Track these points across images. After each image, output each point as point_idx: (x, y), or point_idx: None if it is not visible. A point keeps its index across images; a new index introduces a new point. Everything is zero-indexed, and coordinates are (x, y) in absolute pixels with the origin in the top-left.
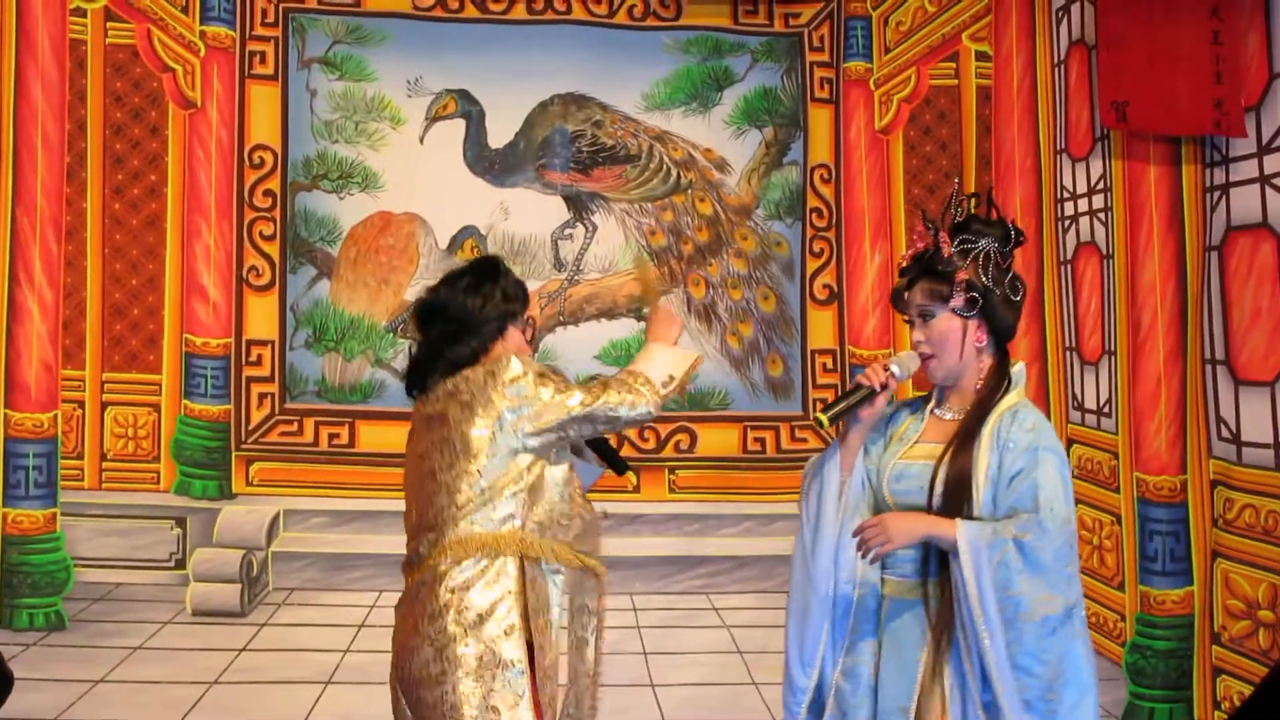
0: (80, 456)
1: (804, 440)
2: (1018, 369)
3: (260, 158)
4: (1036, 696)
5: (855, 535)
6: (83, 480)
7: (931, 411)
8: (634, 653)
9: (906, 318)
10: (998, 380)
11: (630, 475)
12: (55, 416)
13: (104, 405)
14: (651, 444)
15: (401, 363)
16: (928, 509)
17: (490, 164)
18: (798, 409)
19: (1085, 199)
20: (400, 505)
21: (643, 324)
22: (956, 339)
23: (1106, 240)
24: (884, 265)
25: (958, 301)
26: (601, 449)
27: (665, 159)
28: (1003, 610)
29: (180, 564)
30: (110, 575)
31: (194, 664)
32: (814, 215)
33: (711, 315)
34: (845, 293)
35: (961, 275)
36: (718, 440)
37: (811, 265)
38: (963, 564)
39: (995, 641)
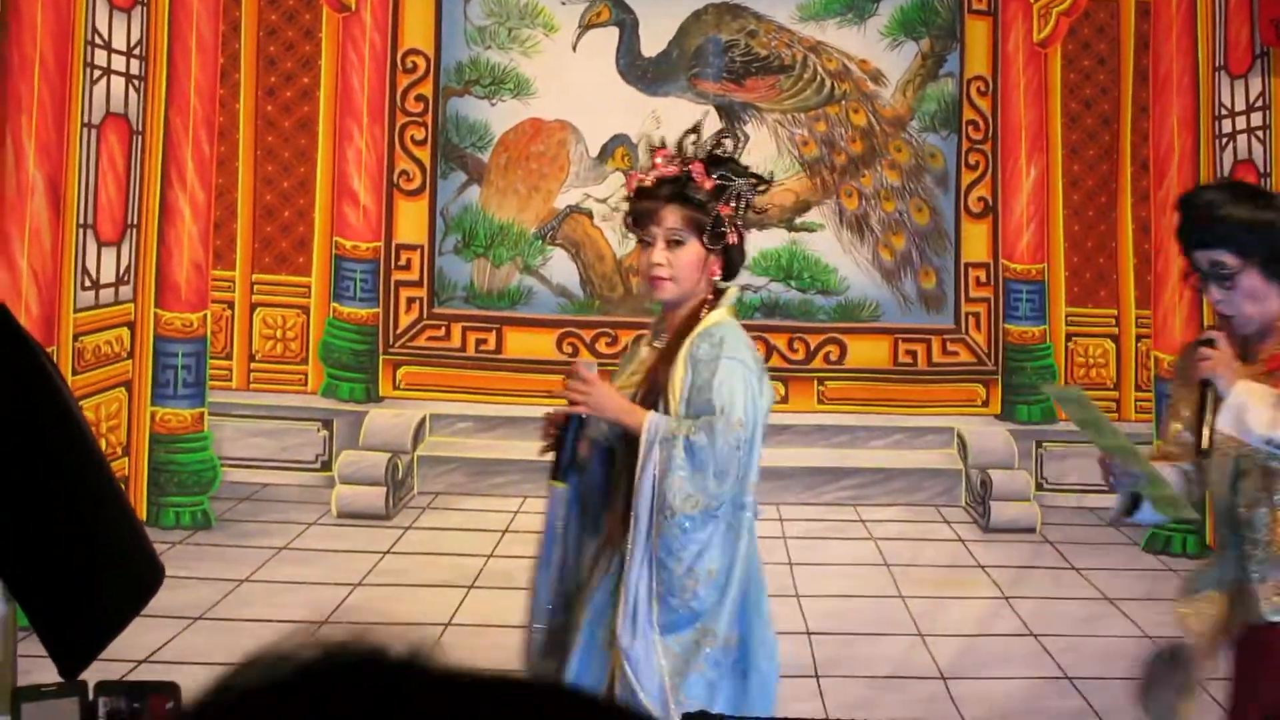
0: (229, 357)
1: (955, 354)
2: (731, 291)
3: (413, 62)
4: (671, 592)
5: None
6: (231, 380)
7: (651, 344)
8: (780, 563)
9: (643, 236)
10: (708, 306)
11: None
12: (205, 316)
13: (253, 306)
14: (800, 354)
15: (550, 270)
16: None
17: (643, 72)
18: (950, 322)
19: (1244, 116)
20: (544, 412)
21: (795, 235)
22: (698, 268)
23: (1264, 158)
24: (1040, 180)
25: (710, 234)
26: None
27: (819, 69)
28: (653, 502)
29: (326, 466)
30: (256, 475)
31: (338, 566)
32: (970, 128)
33: (864, 226)
34: (1000, 206)
35: (723, 210)
36: (868, 352)
37: (966, 178)
38: (640, 453)
39: (638, 531)
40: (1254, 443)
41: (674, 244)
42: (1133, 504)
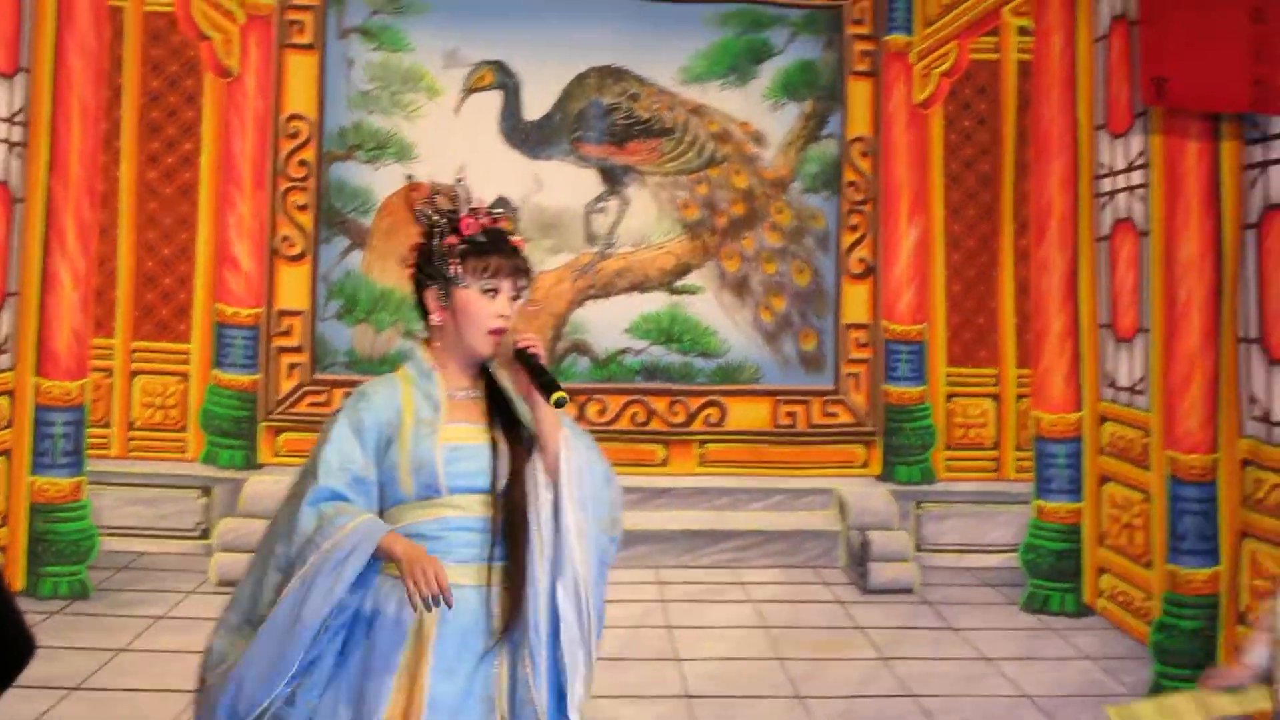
0: (108, 425)
1: (835, 415)
2: None
3: (296, 128)
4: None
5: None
6: (110, 449)
7: (451, 395)
8: (660, 627)
9: (489, 285)
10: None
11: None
12: (84, 385)
13: (133, 374)
14: (681, 417)
15: None
16: (492, 488)
17: (525, 136)
18: (829, 383)
19: (1123, 175)
20: None
21: (676, 298)
22: None
23: (1144, 217)
24: (920, 240)
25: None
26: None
27: (701, 132)
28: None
29: (205, 534)
30: (135, 544)
31: None
32: (851, 189)
33: (745, 289)
34: (881, 267)
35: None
36: (748, 414)
37: (847, 239)
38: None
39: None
40: None
41: (514, 299)
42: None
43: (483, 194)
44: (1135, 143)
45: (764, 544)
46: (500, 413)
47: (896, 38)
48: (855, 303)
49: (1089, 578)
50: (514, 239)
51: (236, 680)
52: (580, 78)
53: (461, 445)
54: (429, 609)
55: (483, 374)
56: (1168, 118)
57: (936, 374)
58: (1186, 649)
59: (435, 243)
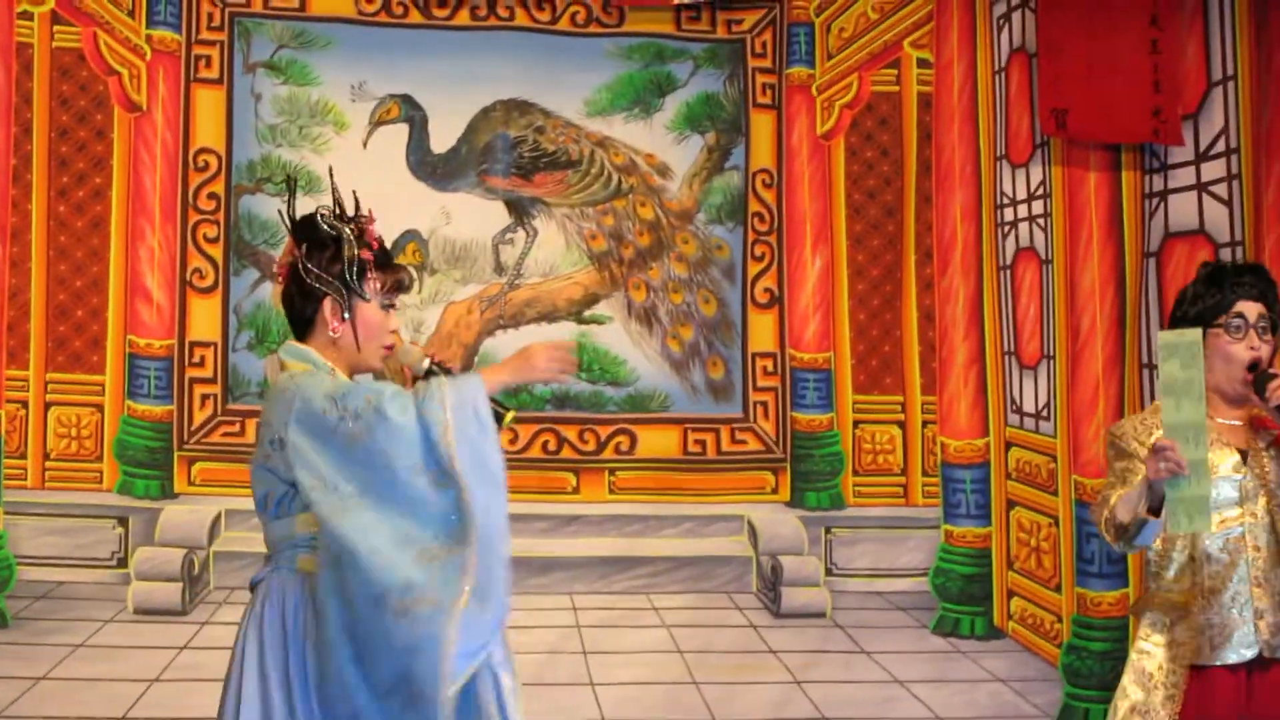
0: (23, 456)
1: (744, 442)
2: None
3: (205, 161)
4: None
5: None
6: (26, 479)
7: None
8: (574, 652)
9: (388, 300)
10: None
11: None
12: None
13: (47, 405)
14: (591, 445)
15: None
16: None
17: (433, 169)
18: (738, 411)
19: (1025, 205)
20: None
21: (583, 328)
22: None
23: (1046, 246)
24: (825, 269)
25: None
26: None
27: (606, 164)
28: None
29: (122, 563)
30: (52, 573)
31: (135, 662)
32: (755, 220)
33: (652, 319)
34: (786, 296)
35: None
36: (658, 442)
37: (753, 269)
38: None
39: None
40: None
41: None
42: (1154, 508)
43: (391, 226)
44: (1036, 173)
45: (676, 570)
46: None
47: (798, 70)
48: (762, 332)
49: (999, 601)
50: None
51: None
52: (486, 111)
53: None
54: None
55: None
56: (1068, 148)
57: (844, 401)
58: (1096, 670)
59: (345, 253)
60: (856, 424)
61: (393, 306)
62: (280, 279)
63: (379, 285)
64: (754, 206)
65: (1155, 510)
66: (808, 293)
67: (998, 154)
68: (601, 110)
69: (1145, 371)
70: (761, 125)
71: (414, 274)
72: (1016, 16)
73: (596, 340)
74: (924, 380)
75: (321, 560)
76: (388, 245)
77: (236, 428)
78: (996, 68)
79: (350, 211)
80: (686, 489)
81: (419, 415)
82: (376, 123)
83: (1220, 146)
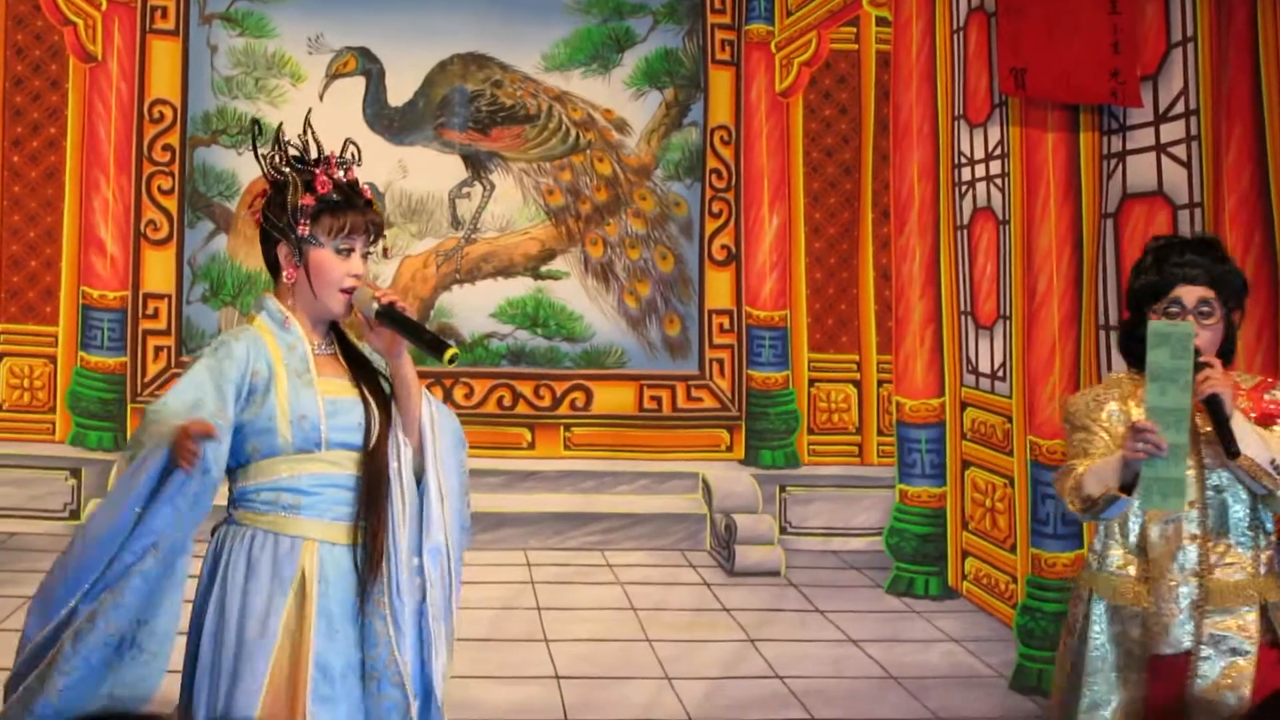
0: None
1: (699, 399)
2: None
3: (160, 112)
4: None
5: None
6: None
7: (318, 352)
8: (528, 608)
9: (343, 244)
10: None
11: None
12: None
13: (0, 356)
14: (547, 401)
15: None
16: (364, 446)
17: (389, 122)
18: (694, 368)
19: (982, 165)
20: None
21: (540, 283)
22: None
23: (1003, 206)
24: (782, 227)
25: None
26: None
27: (564, 119)
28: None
29: (75, 514)
30: (4, 525)
31: None
32: (713, 176)
33: (609, 274)
34: (743, 254)
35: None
36: (614, 398)
37: (710, 226)
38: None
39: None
40: (1262, 461)
41: (366, 256)
42: (1127, 486)
43: (387, 180)
44: (994, 132)
45: (630, 527)
46: (361, 370)
47: (758, 27)
48: (719, 289)
49: (953, 561)
50: (365, 190)
51: (46, 588)
52: (443, 64)
53: (338, 399)
54: (192, 461)
55: (333, 330)
56: (1026, 108)
57: (799, 360)
58: (1050, 631)
59: (289, 199)
60: (812, 382)
61: (352, 250)
62: (256, 223)
63: (331, 230)
64: (712, 163)
65: (1128, 488)
66: (764, 250)
67: (956, 113)
68: (560, 65)
69: (1101, 333)
70: (720, 82)
71: (379, 216)
72: None
73: (553, 295)
74: (880, 339)
75: None
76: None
77: None
78: (955, 26)
79: (314, 154)
80: (642, 446)
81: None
82: (333, 75)
83: (1179, 108)
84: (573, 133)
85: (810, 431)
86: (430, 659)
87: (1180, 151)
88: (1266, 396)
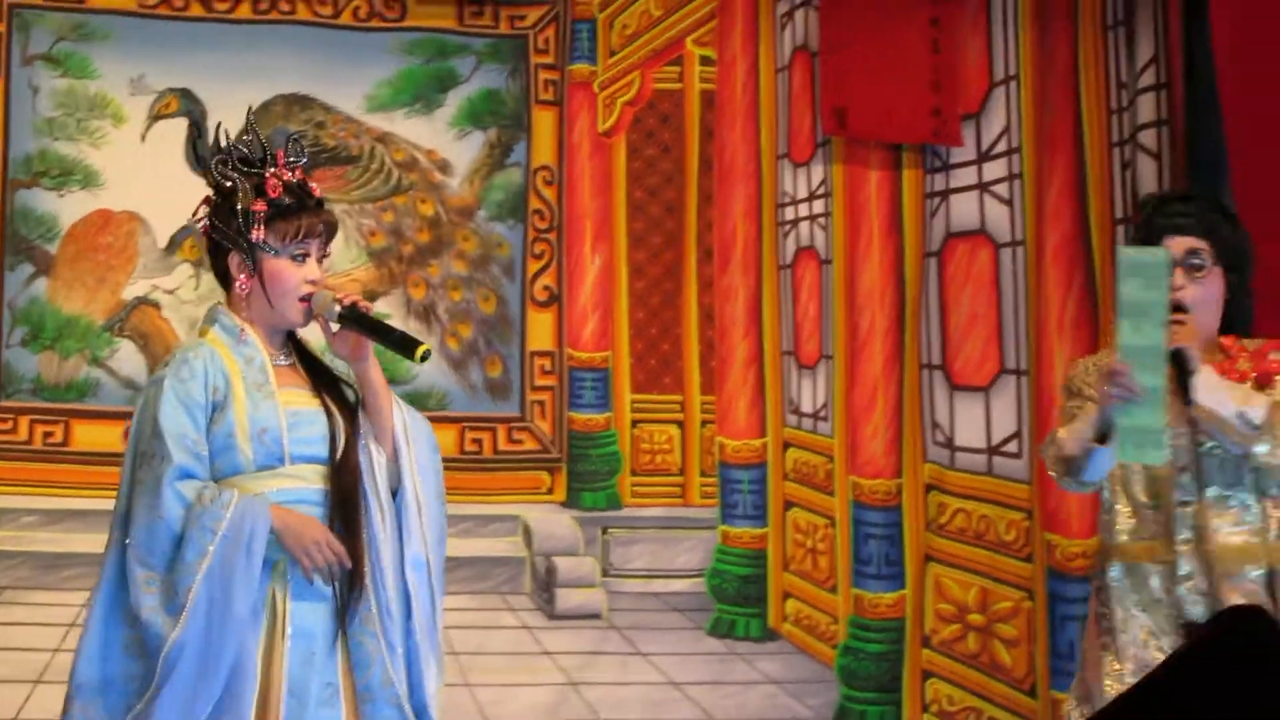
0: None
1: (520, 442)
2: None
3: None
4: None
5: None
6: None
7: (277, 363)
8: None
9: (298, 250)
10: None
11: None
12: None
13: None
14: None
15: (118, 362)
16: (331, 458)
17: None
18: (515, 410)
19: (806, 204)
20: (112, 504)
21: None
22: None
23: (826, 245)
24: (605, 268)
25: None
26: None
27: (387, 160)
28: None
29: None
30: None
31: None
32: (536, 217)
33: (431, 316)
34: (565, 295)
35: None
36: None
37: (532, 267)
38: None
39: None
40: (1226, 415)
41: (322, 259)
42: (1103, 437)
43: (169, 221)
44: (817, 171)
45: (451, 570)
46: (322, 379)
47: (581, 67)
48: (540, 330)
49: (774, 602)
50: (314, 188)
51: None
52: (266, 105)
53: (300, 411)
54: (329, 582)
55: (290, 340)
56: (849, 147)
57: (622, 401)
58: (872, 672)
59: (239, 205)
60: (635, 423)
61: (307, 255)
62: (202, 235)
63: (285, 235)
64: (535, 204)
65: (1103, 439)
66: (586, 291)
67: (779, 152)
68: (383, 106)
69: (925, 372)
70: (543, 122)
71: (333, 216)
72: (800, 14)
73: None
74: (703, 380)
75: None
76: (166, 241)
77: (9, 424)
78: (779, 66)
79: (261, 154)
80: (463, 489)
81: (184, 523)
82: (155, 116)
83: (1002, 146)
84: (395, 174)
85: (633, 473)
86: (421, 678)
87: (1003, 190)
88: (1272, 355)
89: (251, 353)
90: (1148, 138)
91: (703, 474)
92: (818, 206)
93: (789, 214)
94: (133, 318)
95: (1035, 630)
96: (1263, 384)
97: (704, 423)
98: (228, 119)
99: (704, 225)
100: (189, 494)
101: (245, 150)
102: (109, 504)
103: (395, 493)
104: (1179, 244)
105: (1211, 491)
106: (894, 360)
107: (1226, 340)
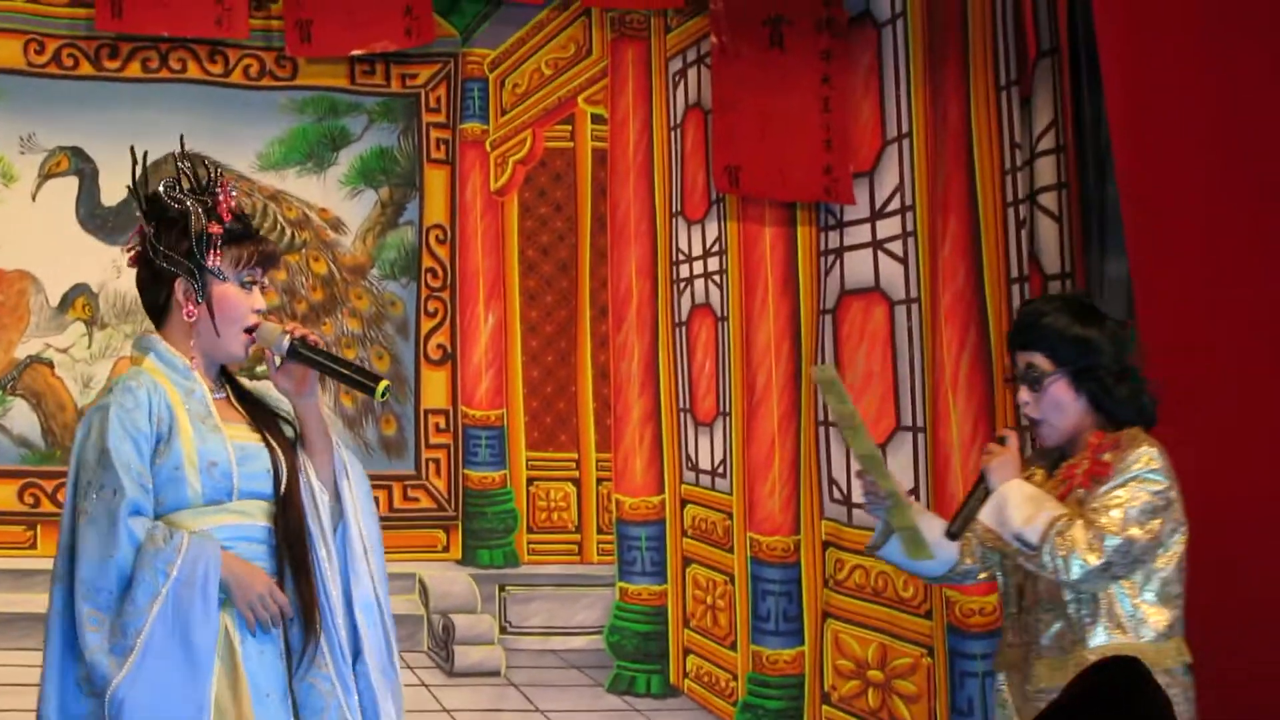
0: None
1: (416, 499)
2: None
3: None
4: None
5: None
6: None
7: (215, 396)
8: None
9: (250, 278)
10: None
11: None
12: None
13: None
14: None
15: (12, 419)
16: (275, 494)
17: (103, 222)
18: (410, 468)
19: (700, 261)
20: (6, 563)
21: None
22: None
23: (722, 302)
24: (498, 326)
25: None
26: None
27: (279, 218)
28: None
29: None
30: None
31: None
32: (429, 275)
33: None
34: (459, 353)
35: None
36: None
37: (426, 325)
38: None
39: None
40: (1006, 536)
41: (263, 288)
42: (886, 535)
43: (61, 279)
44: (712, 229)
45: None
46: (260, 414)
47: (472, 126)
48: (435, 388)
49: (675, 659)
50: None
51: None
52: (157, 164)
53: (245, 445)
54: (270, 629)
55: (223, 373)
56: (743, 204)
57: (517, 458)
58: None
59: (193, 228)
60: (531, 481)
61: (255, 284)
62: (131, 264)
63: (236, 261)
64: (428, 262)
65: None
66: (480, 349)
67: (673, 210)
68: (275, 164)
69: (820, 429)
70: (435, 180)
71: (274, 246)
72: (692, 73)
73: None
74: (599, 437)
75: None
76: (58, 300)
77: None
78: (672, 124)
79: (203, 182)
80: None
81: (134, 563)
82: (46, 175)
83: (895, 204)
84: (288, 232)
85: (529, 530)
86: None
87: (897, 247)
88: (1106, 455)
89: (192, 385)
90: (1048, 200)
91: (600, 531)
92: (713, 264)
93: (684, 271)
94: (25, 376)
95: (936, 686)
96: (1083, 485)
97: (600, 480)
98: (120, 176)
99: (598, 283)
100: (139, 532)
101: (191, 175)
102: (3, 563)
103: (335, 531)
104: (1020, 359)
105: (1029, 601)
106: (790, 417)
107: (1093, 437)
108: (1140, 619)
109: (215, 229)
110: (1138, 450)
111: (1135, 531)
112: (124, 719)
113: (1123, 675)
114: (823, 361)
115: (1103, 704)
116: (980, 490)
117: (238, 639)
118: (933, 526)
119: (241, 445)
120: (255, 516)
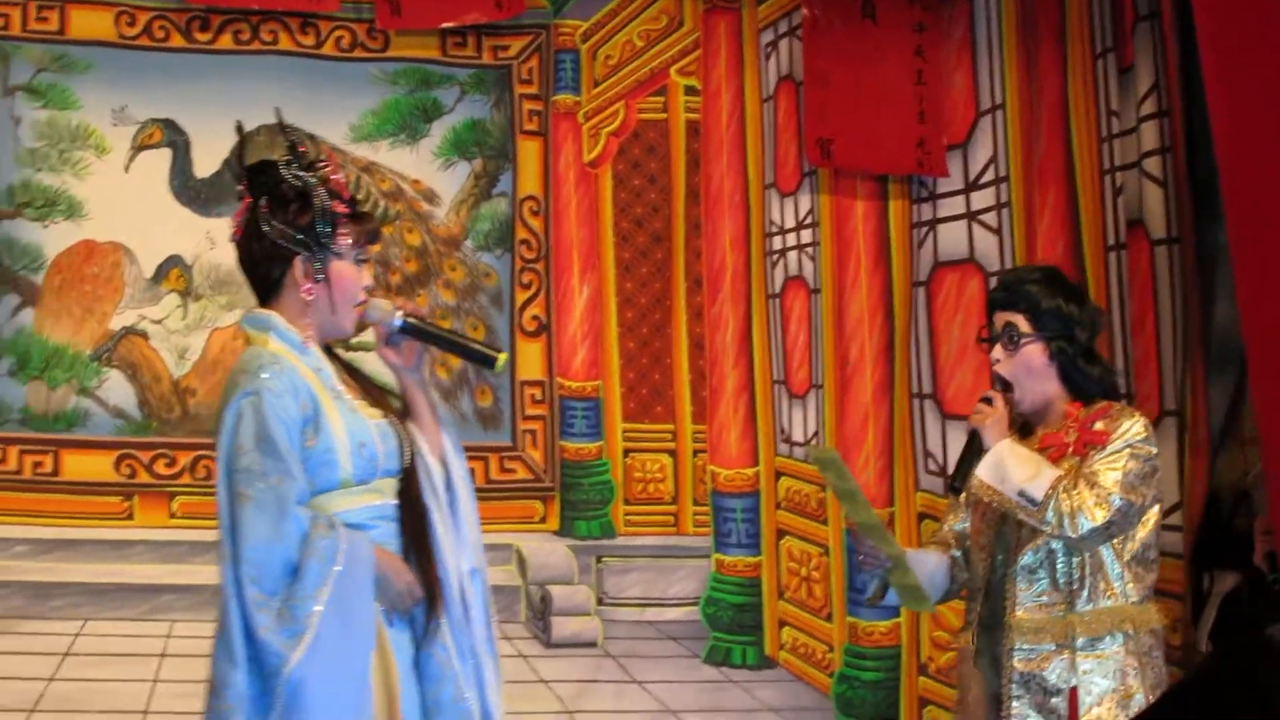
0: None
1: (512, 471)
2: None
3: None
4: None
5: None
6: None
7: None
8: None
9: (361, 254)
10: None
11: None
12: None
13: None
14: None
15: (108, 391)
16: (401, 470)
17: (196, 193)
18: (507, 439)
19: (794, 234)
20: (103, 534)
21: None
22: None
23: (814, 275)
24: (592, 297)
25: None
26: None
27: (373, 190)
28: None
29: None
30: None
31: None
32: (523, 247)
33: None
34: (554, 324)
35: None
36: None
37: (520, 297)
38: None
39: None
40: (1008, 493)
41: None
42: (884, 588)
43: (154, 251)
44: (804, 201)
45: None
46: (373, 390)
47: (564, 98)
48: (530, 360)
49: (770, 630)
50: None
51: None
52: (250, 136)
53: (380, 424)
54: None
55: (326, 349)
56: (835, 177)
57: (613, 430)
58: (869, 700)
59: (317, 205)
60: (627, 452)
61: (366, 260)
62: (236, 239)
63: (352, 239)
64: (521, 234)
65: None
66: (575, 321)
67: (766, 182)
68: (367, 136)
69: (915, 401)
70: (528, 152)
71: (373, 225)
72: (784, 45)
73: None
74: (695, 409)
75: None
76: (152, 271)
77: None
78: (764, 96)
79: (310, 158)
80: None
81: (300, 550)
82: (139, 147)
83: (989, 175)
84: (381, 203)
85: (626, 502)
86: (485, 688)
87: (991, 219)
88: (1097, 424)
89: (318, 364)
90: (1153, 165)
91: (696, 503)
92: (805, 236)
93: (776, 243)
94: (121, 348)
95: None
96: (1078, 453)
97: (696, 452)
98: (212, 148)
99: (692, 254)
100: (306, 521)
101: (303, 150)
102: (99, 533)
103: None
104: (998, 319)
105: (1003, 614)
106: (884, 389)
107: (1070, 408)
108: (1126, 581)
109: (340, 207)
110: (1132, 420)
111: (1133, 495)
112: (305, 695)
113: (1252, 653)
114: (915, 334)
115: (1233, 683)
116: (975, 447)
117: (382, 621)
118: (925, 562)
119: (378, 424)
120: (388, 495)
